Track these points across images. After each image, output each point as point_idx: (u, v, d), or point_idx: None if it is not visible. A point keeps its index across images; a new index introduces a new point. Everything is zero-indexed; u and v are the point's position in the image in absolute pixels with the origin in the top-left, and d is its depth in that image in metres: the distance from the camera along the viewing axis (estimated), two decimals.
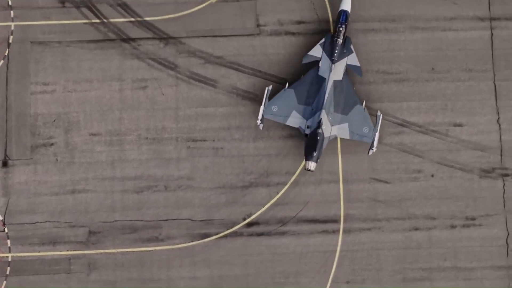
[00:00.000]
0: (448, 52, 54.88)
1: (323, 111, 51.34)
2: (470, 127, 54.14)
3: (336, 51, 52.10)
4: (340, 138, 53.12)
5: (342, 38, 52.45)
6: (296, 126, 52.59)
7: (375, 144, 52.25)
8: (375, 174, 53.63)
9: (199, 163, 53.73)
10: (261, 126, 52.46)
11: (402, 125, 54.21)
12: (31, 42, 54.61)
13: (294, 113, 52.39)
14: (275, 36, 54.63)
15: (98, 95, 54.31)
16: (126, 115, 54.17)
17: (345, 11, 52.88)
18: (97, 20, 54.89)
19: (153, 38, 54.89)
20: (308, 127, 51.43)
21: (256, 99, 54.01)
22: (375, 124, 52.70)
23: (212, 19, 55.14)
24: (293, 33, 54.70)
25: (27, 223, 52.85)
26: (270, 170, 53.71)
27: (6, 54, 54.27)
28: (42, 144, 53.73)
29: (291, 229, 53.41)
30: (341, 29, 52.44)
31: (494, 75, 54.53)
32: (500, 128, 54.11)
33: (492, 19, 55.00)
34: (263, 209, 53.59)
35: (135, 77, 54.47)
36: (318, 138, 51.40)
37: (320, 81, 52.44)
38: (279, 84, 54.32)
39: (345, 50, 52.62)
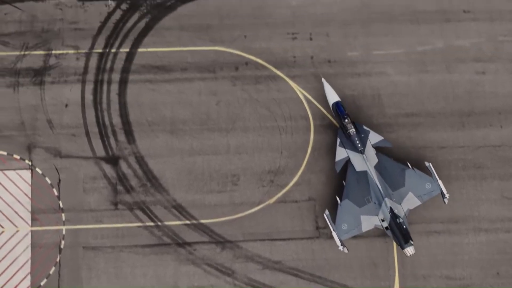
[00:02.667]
0: None
1: (386, 199, 50.62)
2: None
3: (357, 141, 51.39)
4: None
5: (353, 127, 51.46)
6: (372, 227, 51.36)
7: (444, 191, 51.33)
8: None
9: None
10: (345, 250, 50.83)
11: None
12: (83, 247, 52.89)
13: (363, 217, 51.31)
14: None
15: None
16: None
17: (337, 102, 52.12)
18: (151, 223, 53.22)
19: (209, 242, 53.16)
20: (383, 221, 50.65)
21: None
22: (432, 175, 51.61)
23: (269, 221, 53.55)
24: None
25: None
26: None
27: (57, 260, 52.52)
28: None
29: None
30: (346, 120, 51.55)
31: None
32: None
33: None
34: None
35: (191, 283, 52.81)
36: (400, 222, 50.49)
37: (363, 176, 51.60)
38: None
39: (363, 134, 51.75)
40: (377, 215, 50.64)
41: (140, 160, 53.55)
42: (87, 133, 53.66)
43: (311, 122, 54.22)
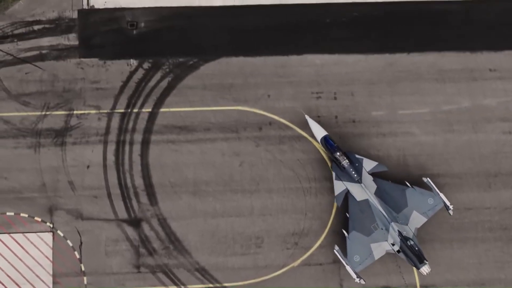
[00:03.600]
0: None
1: (392, 223, 50.50)
2: None
3: (352, 172, 51.00)
4: None
5: (345, 158, 51.08)
6: (384, 253, 51.24)
7: (448, 203, 51.22)
8: None
9: None
10: (362, 281, 50.59)
11: None
12: None
13: (373, 246, 51.13)
14: None
15: None
16: None
17: (325, 136, 51.78)
18: (174, 287, 52.96)
19: None
20: (393, 245, 50.56)
21: None
22: (432, 190, 51.44)
23: (294, 284, 53.50)
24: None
25: None
26: None
27: None
28: None
29: None
30: (338, 153, 51.28)
31: None
32: None
33: None
34: None
35: None
36: (411, 244, 50.48)
37: (365, 204, 51.32)
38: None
39: (357, 163, 51.35)
40: (386, 240, 50.52)
41: (163, 222, 52.96)
42: (109, 195, 53.06)
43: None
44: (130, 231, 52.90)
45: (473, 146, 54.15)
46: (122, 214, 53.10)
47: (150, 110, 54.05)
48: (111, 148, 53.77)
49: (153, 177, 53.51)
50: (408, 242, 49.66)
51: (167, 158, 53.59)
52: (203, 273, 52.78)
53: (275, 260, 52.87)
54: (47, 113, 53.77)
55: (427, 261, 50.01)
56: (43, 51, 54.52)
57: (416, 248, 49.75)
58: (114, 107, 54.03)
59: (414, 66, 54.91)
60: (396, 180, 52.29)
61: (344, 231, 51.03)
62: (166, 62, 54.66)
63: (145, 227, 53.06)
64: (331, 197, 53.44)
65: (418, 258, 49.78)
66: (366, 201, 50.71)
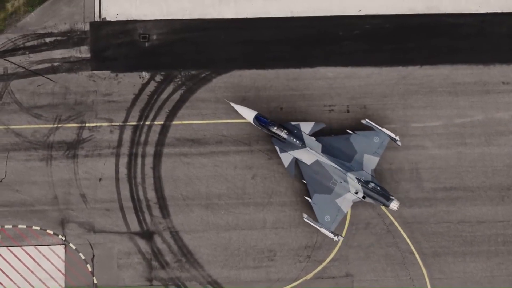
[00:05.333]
0: None
1: (348, 174, 51.07)
2: None
3: (294, 139, 51.41)
4: None
5: (283, 129, 51.37)
6: (351, 204, 51.69)
7: (392, 135, 51.72)
8: None
9: None
10: (340, 237, 51.28)
11: None
12: None
13: (338, 201, 51.61)
14: None
15: None
16: None
17: (256, 116, 51.95)
18: None
19: None
20: (356, 193, 51.12)
21: None
22: (375, 128, 52.14)
23: None
24: None
25: None
26: None
27: None
28: None
29: None
30: (275, 127, 51.51)
31: None
32: None
33: None
34: None
35: None
36: (372, 186, 51.05)
37: (317, 165, 51.68)
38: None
39: (295, 130, 51.71)
40: (349, 191, 50.97)
41: (175, 235, 52.85)
42: (121, 208, 52.97)
43: None
44: (143, 244, 52.77)
45: (486, 159, 54.02)
46: (135, 227, 52.98)
47: (162, 122, 53.96)
48: (123, 161, 53.62)
49: (166, 190, 53.38)
50: (369, 185, 50.41)
51: (179, 171, 53.47)
52: (216, 286, 52.85)
53: (288, 273, 52.77)
54: (59, 125, 53.68)
55: (393, 196, 50.54)
56: (55, 64, 54.40)
57: (379, 188, 50.54)
58: (126, 120, 53.94)
59: (427, 79, 54.79)
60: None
61: (307, 198, 51.35)
62: (178, 74, 54.53)
63: (158, 240, 52.93)
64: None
65: (384, 197, 50.60)
66: (317, 162, 51.11)
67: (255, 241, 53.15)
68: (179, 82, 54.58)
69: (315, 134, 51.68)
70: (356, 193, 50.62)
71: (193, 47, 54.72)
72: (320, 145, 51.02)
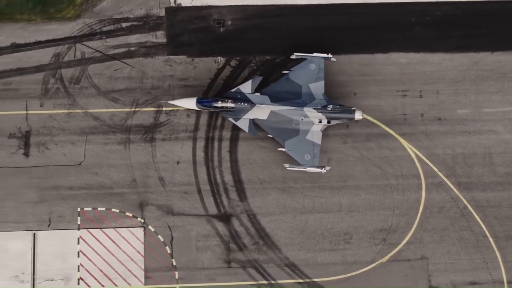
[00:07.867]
0: None
1: (304, 108, 52.69)
2: None
3: (241, 104, 52.69)
4: None
5: (226, 101, 52.64)
6: (321, 134, 52.96)
7: (324, 55, 53.22)
8: None
9: None
10: (327, 168, 53.01)
11: None
12: None
13: (309, 136, 53.04)
14: None
15: None
16: None
17: (197, 100, 52.78)
18: (264, 282, 53.31)
19: None
20: (321, 122, 52.89)
21: None
22: (306, 57, 53.44)
23: (382, 280, 53.80)
24: None
25: None
26: None
27: None
28: None
29: None
30: (219, 102, 52.67)
31: None
32: None
33: None
34: None
35: None
36: (331, 108, 52.53)
37: (273, 116, 53.03)
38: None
39: (239, 95, 52.98)
40: (313, 123, 52.11)
41: (252, 218, 53.52)
42: (199, 191, 53.60)
43: (422, 181, 54.23)
44: (220, 226, 53.42)
45: None
46: (212, 209, 53.63)
47: None
48: (200, 144, 54.27)
49: (242, 173, 54.06)
50: (328, 108, 51.98)
51: (255, 155, 54.13)
52: (293, 269, 53.32)
53: (364, 256, 53.52)
54: (136, 109, 54.14)
55: (354, 107, 52.07)
56: (132, 48, 54.95)
57: (338, 106, 52.18)
58: None
59: (498, 65, 55.53)
60: None
61: (280, 149, 52.61)
62: (253, 59, 55.08)
63: (235, 222, 53.61)
64: (418, 194, 54.20)
65: (346, 112, 52.17)
66: (272, 113, 52.47)
67: (331, 224, 53.88)
68: (254, 67, 55.19)
69: (257, 89, 52.61)
70: (320, 121, 52.22)
71: (267, 33, 55.23)
72: (266, 96, 52.41)
